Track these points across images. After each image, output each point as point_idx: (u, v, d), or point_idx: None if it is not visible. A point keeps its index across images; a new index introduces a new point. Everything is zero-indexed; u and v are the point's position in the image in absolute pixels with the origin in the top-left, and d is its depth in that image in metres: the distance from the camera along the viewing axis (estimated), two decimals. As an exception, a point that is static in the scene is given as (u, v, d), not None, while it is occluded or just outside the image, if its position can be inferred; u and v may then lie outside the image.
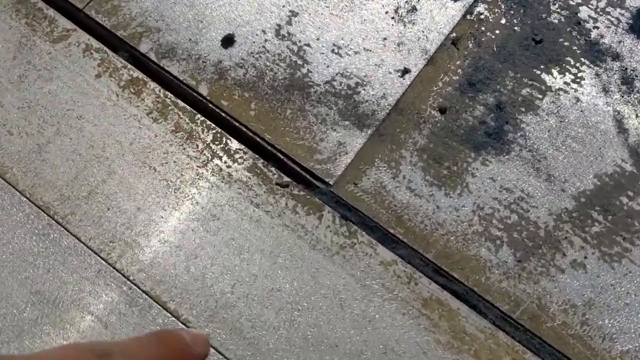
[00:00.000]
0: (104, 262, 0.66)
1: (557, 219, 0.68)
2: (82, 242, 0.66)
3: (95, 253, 0.66)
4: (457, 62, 0.75)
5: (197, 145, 0.70)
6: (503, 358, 0.64)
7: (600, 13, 0.77)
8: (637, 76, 0.74)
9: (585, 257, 0.67)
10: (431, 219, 0.69)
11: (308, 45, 0.75)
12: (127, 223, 0.67)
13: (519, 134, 0.72)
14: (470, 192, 0.70)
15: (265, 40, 0.75)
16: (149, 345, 0.37)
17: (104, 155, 0.69)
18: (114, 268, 0.65)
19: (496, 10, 0.77)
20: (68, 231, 0.67)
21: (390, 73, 0.74)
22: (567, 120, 0.72)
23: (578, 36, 0.76)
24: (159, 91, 0.72)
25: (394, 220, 0.68)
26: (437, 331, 0.64)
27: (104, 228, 0.67)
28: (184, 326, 0.64)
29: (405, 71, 0.74)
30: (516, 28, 0.76)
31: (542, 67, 0.75)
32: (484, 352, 0.64)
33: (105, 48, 0.74)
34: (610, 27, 0.76)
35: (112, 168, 0.69)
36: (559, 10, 0.77)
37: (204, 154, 0.70)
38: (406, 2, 0.77)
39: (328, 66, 0.74)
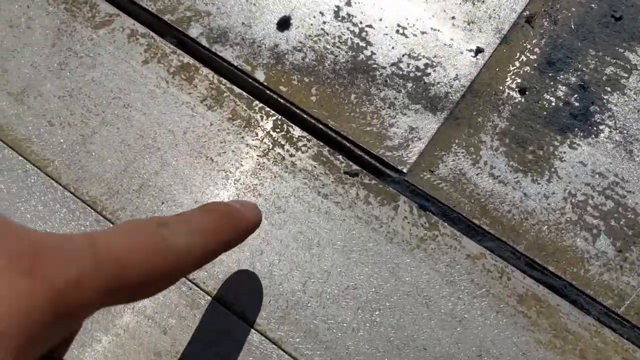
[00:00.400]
0: (159, 261, 0.59)
1: (658, 205, 0.62)
2: (134, 239, 0.59)
3: (149, 251, 0.59)
4: (533, 41, 0.69)
5: (257, 134, 0.64)
6: (612, 357, 0.56)
7: (682, -13, 0.72)
8: None
9: (695, 245, 0.60)
10: (519, 207, 0.62)
11: (370, 26, 0.69)
12: (183, 218, 0.60)
13: (606, 115, 0.66)
14: (560, 177, 0.63)
15: (324, 22, 0.69)
16: (201, 212, 0.42)
17: (155, 146, 0.63)
18: (170, 267, 0.58)
19: (570, -14, 0.71)
20: (118, 228, 0.60)
21: (462, 53, 0.68)
22: (658, 99, 0.66)
23: (661, 11, 0.70)
24: (213, 77, 0.66)
25: (478, 210, 0.62)
26: (536, 330, 0.57)
27: (157, 224, 0.60)
28: (253, 330, 0.56)
29: (479, 50, 0.68)
30: (593, 5, 0.71)
31: (624, 44, 0.69)
32: (591, 352, 0.56)
33: (152, 33, 0.68)
34: (695, 1, 0.71)
35: (165, 159, 0.62)
36: (638, -15, 0.71)
37: (265, 143, 0.63)
38: (473, -20, 0.71)
39: (393, 47, 0.68)
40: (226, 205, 0.45)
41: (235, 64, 0.67)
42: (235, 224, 0.43)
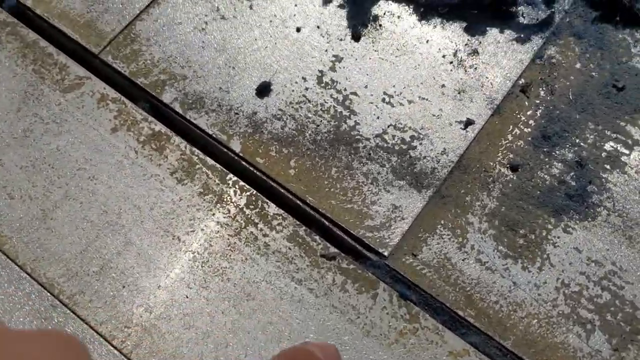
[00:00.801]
0: (117, 352, 0.55)
1: (659, 299, 0.57)
2: (91, 327, 0.55)
3: (107, 341, 0.55)
4: (528, 112, 0.65)
5: (229, 210, 0.60)
6: None
7: (689, 55, 0.67)
8: None
9: (698, 346, 0.55)
10: (507, 298, 0.57)
11: (355, 93, 0.65)
12: (145, 304, 0.56)
13: (605, 196, 0.61)
14: (553, 265, 0.59)
15: (306, 88, 0.65)
16: None
17: (119, 223, 0.59)
18: (128, 359, 0.54)
19: (569, 53, 0.67)
20: (75, 313, 0.56)
21: (450, 125, 0.64)
22: (661, 180, 0.61)
23: (666, 82, 0.66)
24: (185, 147, 0.62)
25: (463, 299, 0.57)
26: None
27: (118, 310, 0.56)
28: None
29: (469, 122, 0.64)
30: (594, 73, 0.66)
31: (626, 117, 0.64)
32: None
33: (123, 98, 0.65)
34: (702, 71, 0.66)
35: (129, 238, 0.58)
36: (641, 52, 0.67)
37: (237, 220, 0.59)
38: (466, 44, 0.67)
39: (378, 117, 0.64)
40: (310, 356, 0.40)
41: (210, 132, 0.63)
42: None
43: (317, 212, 0.61)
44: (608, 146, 0.63)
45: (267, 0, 0.69)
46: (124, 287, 0.57)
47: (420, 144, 0.63)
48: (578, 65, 0.67)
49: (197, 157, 0.62)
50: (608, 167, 0.62)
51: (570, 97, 0.65)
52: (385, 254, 0.59)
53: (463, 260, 0.59)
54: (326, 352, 0.43)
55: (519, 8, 0.68)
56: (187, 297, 0.56)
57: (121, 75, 0.66)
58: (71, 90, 0.65)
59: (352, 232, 0.60)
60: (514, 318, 0.57)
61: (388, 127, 0.64)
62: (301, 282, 0.57)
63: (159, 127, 0.63)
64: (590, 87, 0.66)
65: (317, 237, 0.59)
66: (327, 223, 0.60)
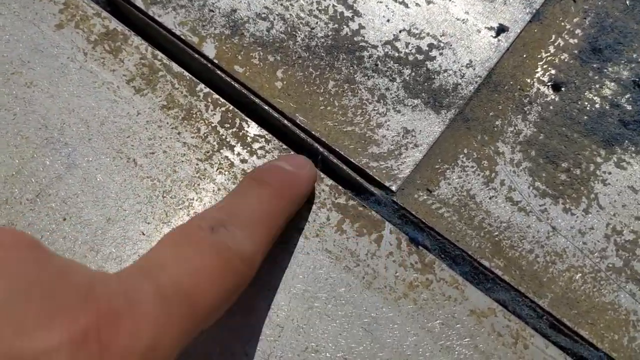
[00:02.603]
0: (52, 301, 0.43)
1: None
2: (21, 268, 0.44)
3: (41, 286, 0.44)
4: (575, 20, 0.52)
5: (199, 129, 0.48)
6: None
7: None
8: None
9: None
10: (545, 246, 0.46)
11: (360, -10, 0.52)
12: (91, 241, 0.45)
13: (668, 124, 0.49)
14: (602, 207, 0.47)
15: (300, -18, 0.53)
16: (254, 194, 0.36)
17: (62, 140, 0.47)
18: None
19: (626, -51, 0.54)
20: (2, 251, 0.44)
21: (479, 32, 0.51)
22: None
23: None
24: (146, 50, 0.50)
25: (490, 247, 0.46)
26: (561, 423, 0.42)
27: (56, 247, 0.45)
28: None
29: (501, 29, 0.51)
30: (656, -26, 0.53)
31: (695, 29, 0.52)
32: None
33: (72, -12, 0.52)
34: None
35: (73, 159, 0.46)
36: None
37: (208, 142, 0.47)
38: None
39: (389, 20, 0.52)
40: (277, 171, 0.38)
41: (178, 33, 0.51)
42: (294, 194, 0.38)
43: (309, 135, 0.48)
44: (673, 63, 0.51)
45: None
46: (64, 219, 0.45)
47: (441, 54, 0.51)
48: (637, -36, 0.54)
49: (160, 63, 0.50)
50: (672, 88, 0.50)
51: (627, 2, 0.52)
52: (394, 188, 0.47)
53: (490, 198, 0.47)
54: (294, 163, 0.40)
55: None
56: (143, 234, 0.45)
57: (70, -40, 0.53)
58: (7, -24, 0.52)
59: (352, 160, 0.48)
60: (552, 271, 0.45)
61: (400, 32, 0.51)
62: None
63: (114, 24, 0.51)
64: (652, -9, 0.53)
65: (308, 166, 0.47)
66: (321, 149, 0.48)
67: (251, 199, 0.35)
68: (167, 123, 0.48)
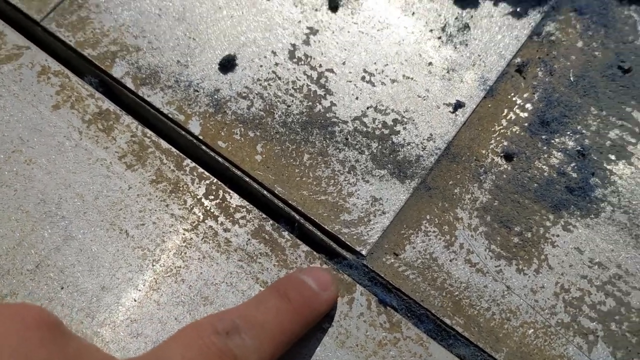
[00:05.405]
0: (51, 365, 0.47)
1: (669, 306, 0.51)
2: (22, 335, 0.48)
3: (41, 351, 0.47)
4: (525, 95, 0.58)
5: (185, 201, 0.52)
6: None
7: (702, 35, 0.61)
8: None
9: None
10: (500, 304, 0.51)
11: (331, 70, 0.58)
12: (87, 308, 0.49)
13: (609, 190, 0.54)
14: (551, 267, 0.52)
15: (276, 63, 0.58)
16: (274, 306, 0.37)
17: (59, 214, 0.51)
18: (65, 373, 0.47)
19: (570, 30, 0.60)
20: (4, 319, 0.48)
21: (438, 107, 0.57)
22: (672, 172, 0.55)
23: (676, 64, 0.59)
24: (136, 128, 0.55)
25: (451, 306, 0.50)
26: None
27: (56, 314, 0.48)
28: None
29: (459, 105, 0.57)
30: (597, 53, 0.59)
31: (632, 102, 0.58)
32: None
33: (68, 71, 0.56)
34: None
35: (70, 231, 0.51)
36: (649, 30, 0.60)
37: (194, 213, 0.52)
38: (456, 18, 0.60)
39: (357, 98, 0.57)
40: (301, 287, 0.40)
41: (165, 111, 0.55)
42: (311, 315, 0.40)
43: (286, 204, 0.53)
44: (613, 134, 0.56)
45: (233, -36, 0.61)
46: (62, 287, 0.49)
47: (404, 128, 0.56)
48: (580, 44, 0.60)
49: (149, 140, 0.54)
50: (613, 157, 0.56)
51: (571, 78, 0.58)
52: (364, 252, 0.52)
53: (451, 260, 0.52)
54: (320, 282, 0.42)
55: (516, -22, 0.61)
56: (135, 301, 0.49)
57: (66, 46, 0.58)
58: (8, 61, 0.56)
59: (326, 227, 0.52)
60: (507, 327, 0.50)
61: (368, 109, 0.57)
62: (266, 284, 0.50)
63: (107, 104, 0.56)
64: (593, 68, 0.59)
65: (285, 233, 0.52)
66: (297, 217, 0.53)
67: (270, 311, 0.37)
68: (156, 196, 0.52)
